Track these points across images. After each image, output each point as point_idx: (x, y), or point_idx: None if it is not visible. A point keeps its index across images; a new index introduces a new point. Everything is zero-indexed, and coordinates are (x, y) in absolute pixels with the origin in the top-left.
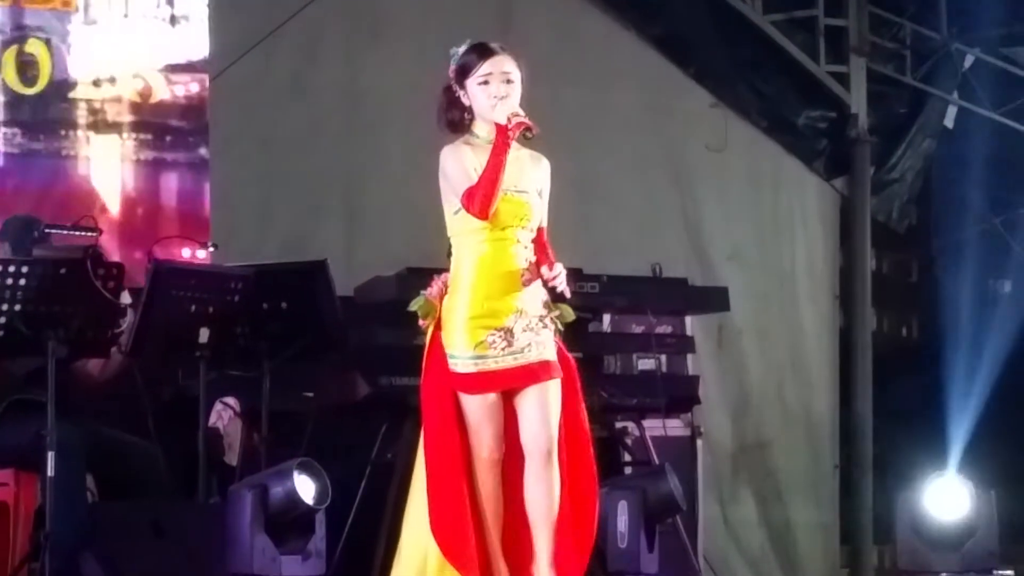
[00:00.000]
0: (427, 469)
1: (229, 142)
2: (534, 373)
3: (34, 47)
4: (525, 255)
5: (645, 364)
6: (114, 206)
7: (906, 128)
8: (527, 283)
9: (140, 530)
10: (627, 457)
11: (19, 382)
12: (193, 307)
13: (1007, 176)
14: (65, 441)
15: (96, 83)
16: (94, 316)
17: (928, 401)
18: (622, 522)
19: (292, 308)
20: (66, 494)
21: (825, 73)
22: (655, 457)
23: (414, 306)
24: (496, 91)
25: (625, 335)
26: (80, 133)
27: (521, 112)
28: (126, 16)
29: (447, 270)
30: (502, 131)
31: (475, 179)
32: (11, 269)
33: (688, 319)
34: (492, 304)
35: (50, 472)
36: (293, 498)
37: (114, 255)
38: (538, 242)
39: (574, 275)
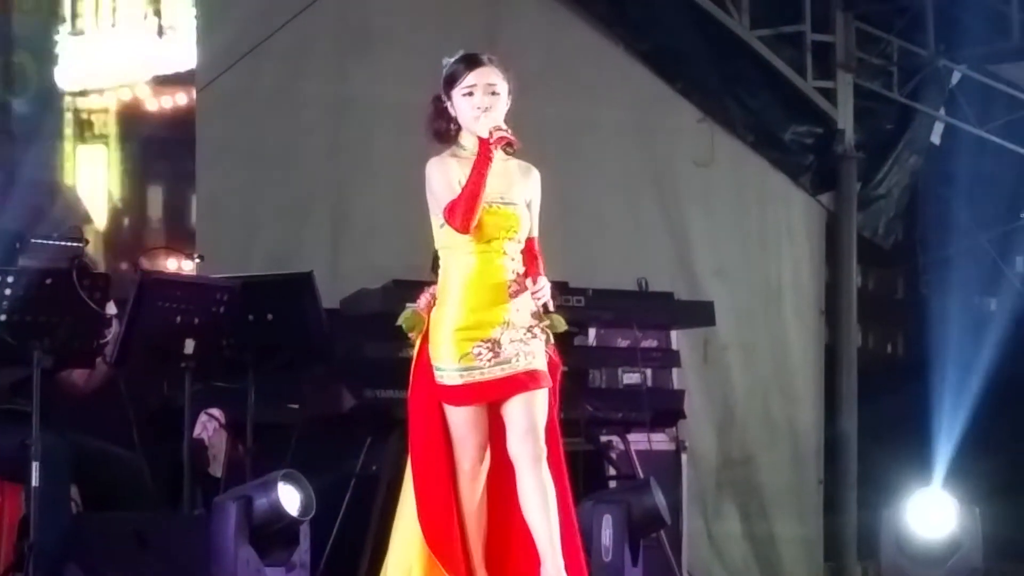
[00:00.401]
0: (415, 481)
1: (216, 154)
2: (521, 383)
3: (21, 57)
4: (513, 267)
5: (630, 378)
6: (100, 217)
7: (893, 144)
8: (514, 295)
9: (124, 541)
10: (612, 471)
11: (4, 392)
12: (179, 318)
13: (993, 193)
14: (50, 451)
15: (83, 93)
16: (80, 326)
17: (913, 417)
18: (606, 536)
19: (278, 320)
20: (50, 504)
21: (812, 89)
22: (640, 471)
23: (401, 319)
24: (480, 102)
25: (610, 349)
26: (66, 144)
27: (504, 126)
28: (113, 27)
29: (433, 283)
30: (484, 145)
31: (459, 192)
32: None
33: (673, 333)
34: (479, 316)
35: (34, 482)
36: (278, 510)
37: (100, 266)
38: (528, 252)
39: (559, 289)
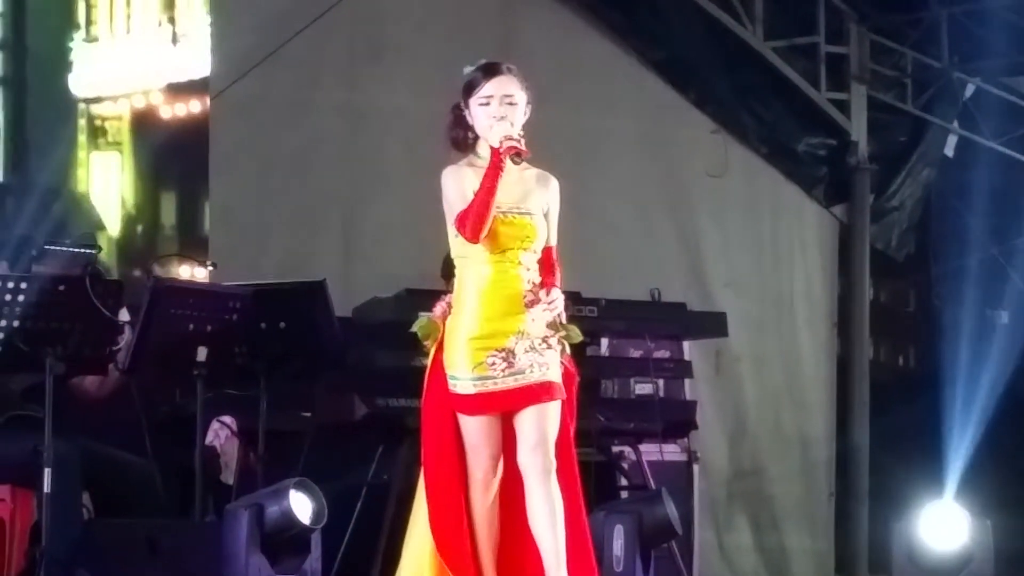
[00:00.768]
0: (427, 489)
1: (229, 161)
2: (534, 394)
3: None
4: (529, 276)
5: (642, 388)
6: (113, 224)
7: (906, 156)
8: (529, 305)
9: (135, 548)
10: (623, 481)
11: (16, 398)
12: (191, 326)
13: (1006, 206)
14: (62, 458)
15: (97, 100)
16: (92, 333)
17: (924, 430)
18: (618, 546)
19: (290, 328)
20: (62, 511)
21: (826, 100)
22: (651, 482)
23: (416, 327)
24: (496, 112)
25: (623, 359)
26: (80, 150)
27: (516, 136)
28: (128, 34)
29: (446, 291)
30: (495, 155)
31: None
32: (10, 285)
33: (686, 344)
34: (494, 325)
35: (46, 488)
36: (289, 517)
37: (113, 272)
38: (545, 262)
39: (572, 299)
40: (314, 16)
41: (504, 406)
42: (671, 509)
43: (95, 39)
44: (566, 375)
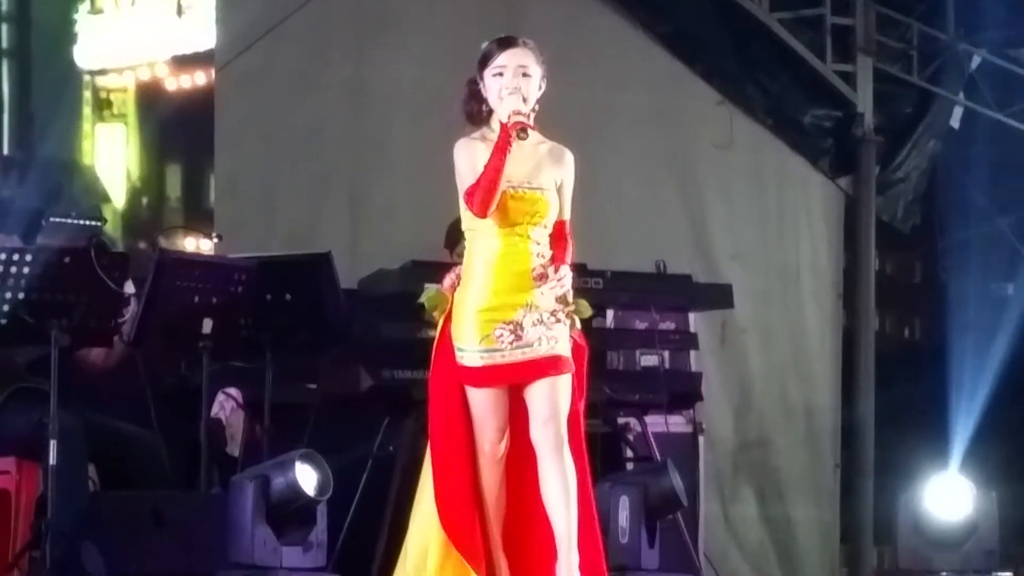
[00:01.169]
0: (433, 461)
1: (234, 133)
2: (542, 367)
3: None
4: (538, 251)
5: (648, 360)
6: (119, 196)
7: (912, 128)
8: (538, 279)
9: (141, 520)
10: (629, 453)
11: (22, 370)
12: (197, 298)
13: (1012, 178)
14: (67, 430)
15: (102, 73)
16: (98, 305)
17: (930, 401)
18: (623, 517)
19: (296, 300)
20: (67, 483)
21: (831, 72)
22: (657, 453)
23: (424, 297)
24: (508, 83)
25: (628, 331)
26: (85, 123)
27: (524, 111)
28: (133, 6)
29: (452, 263)
30: (504, 129)
31: None
32: (15, 257)
33: (691, 316)
34: (502, 298)
35: (52, 461)
36: (295, 489)
37: (118, 245)
38: (557, 236)
39: (578, 271)
40: None
41: (511, 379)
42: (676, 481)
43: (100, 11)
44: (576, 348)
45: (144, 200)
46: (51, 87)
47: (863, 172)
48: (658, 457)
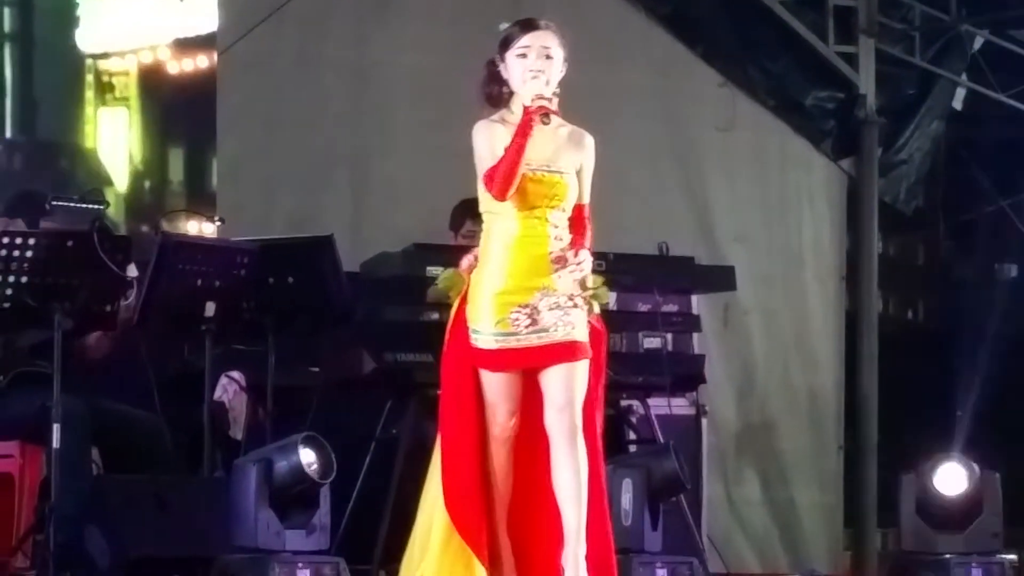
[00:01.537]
0: (442, 442)
1: (237, 117)
2: (557, 353)
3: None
4: (557, 235)
5: (651, 343)
6: (121, 179)
7: (914, 109)
8: (556, 262)
9: (144, 503)
10: (632, 435)
11: (25, 354)
12: (199, 281)
13: (1015, 159)
14: (70, 414)
15: (104, 56)
16: (100, 289)
17: (933, 383)
18: (626, 500)
19: (298, 283)
20: (71, 467)
21: (834, 53)
22: (660, 436)
23: (440, 278)
24: (532, 64)
25: (631, 313)
26: (88, 106)
27: (547, 95)
28: None
29: (453, 247)
30: (526, 112)
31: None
32: (18, 241)
33: (694, 298)
34: (519, 281)
35: (55, 444)
36: (298, 472)
37: (121, 228)
38: (576, 220)
39: None
40: None
41: (526, 363)
42: (679, 463)
43: None
44: (594, 333)
45: (146, 183)
46: (53, 71)
47: (865, 154)
48: (661, 440)
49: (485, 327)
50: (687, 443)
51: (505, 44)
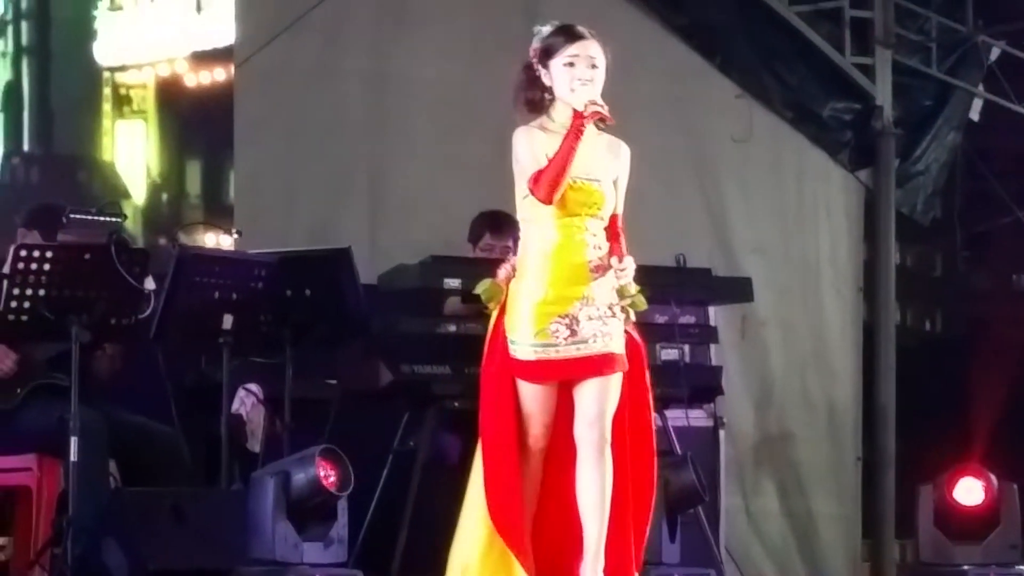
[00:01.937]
0: (483, 452)
1: (254, 129)
2: (596, 366)
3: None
4: (594, 243)
5: (668, 354)
6: (139, 192)
7: (931, 120)
8: (596, 271)
9: (162, 516)
10: None
11: (42, 367)
12: (217, 293)
13: None
14: (88, 426)
15: (122, 69)
16: (118, 301)
17: (951, 394)
18: None
19: (315, 295)
20: (88, 479)
21: (850, 65)
22: (677, 447)
23: (479, 289)
24: (581, 74)
25: (648, 325)
26: (105, 119)
27: (600, 101)
28: (152, 2)
29: (471, 259)
30: (578, 117)
31: (544, 164)
32: (35, 254)
33: (711, 309)
34: (558, 291)
35: (73, 457)
36: (315, 485)
37: (138, 241)
38: (611, 230)
39: None
40: None
41: (564, 375)
42: (697, 475)
43: (119, 7)
44: (632, 345)
45: (164, 196)
46: (70, 84)
47: (882, 165)
48: (679, 451)
49: (523, 337)
50: (705, 455)
51: (548, 52)
